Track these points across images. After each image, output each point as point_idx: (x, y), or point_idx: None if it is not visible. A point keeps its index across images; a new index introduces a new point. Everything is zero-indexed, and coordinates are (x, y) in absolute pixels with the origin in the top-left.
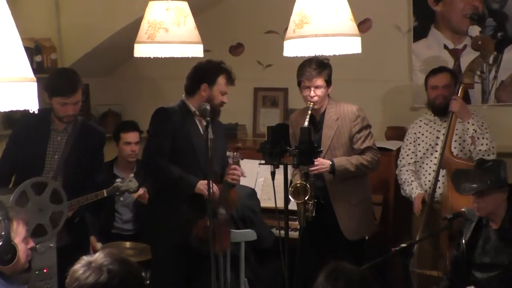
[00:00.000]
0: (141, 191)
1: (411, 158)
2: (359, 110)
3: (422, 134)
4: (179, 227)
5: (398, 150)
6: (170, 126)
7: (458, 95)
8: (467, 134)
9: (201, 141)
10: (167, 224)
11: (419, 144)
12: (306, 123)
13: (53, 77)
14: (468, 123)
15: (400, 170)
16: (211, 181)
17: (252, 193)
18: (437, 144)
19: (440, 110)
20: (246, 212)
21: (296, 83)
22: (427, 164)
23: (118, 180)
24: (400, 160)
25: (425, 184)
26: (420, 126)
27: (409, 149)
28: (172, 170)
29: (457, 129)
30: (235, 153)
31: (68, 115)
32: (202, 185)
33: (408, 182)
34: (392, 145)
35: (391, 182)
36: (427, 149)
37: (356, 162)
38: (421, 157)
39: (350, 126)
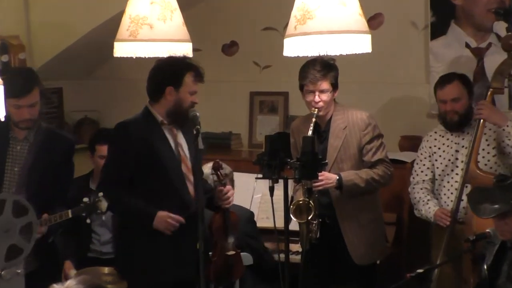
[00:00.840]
0: None
1: (426, 175)
2: (370, 117)
3: (439, 148)
4: (168, 262)
5: (414, 162)
6: (132, 145)
7: (486, 100)
8: (509, 140)
9: (172, 157)
10: (148, 256)
11: (436, 160)
12: (309, 132)
13: (7, 77)
14: (508, 126)
15: (413, 188)
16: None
17: (250, 216)
18: (457, 159)
19: (452, 126)
20: (243, 238)
21: (298, 87)
22: (448, 182)
23: (86, 199)
24: (414, 177)
25: (447, 205)
26: (435, 139)
27: (424, 165)
28: (127, 203)
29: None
30: (219, 173)
31: (24, 120)
32: (161, 221)
33: (423, 201)
34: (407, 156)
35: (406, 199)
36: (446, 165)
37: (366, 177)
38: (439, 175)
39: (360, 136)
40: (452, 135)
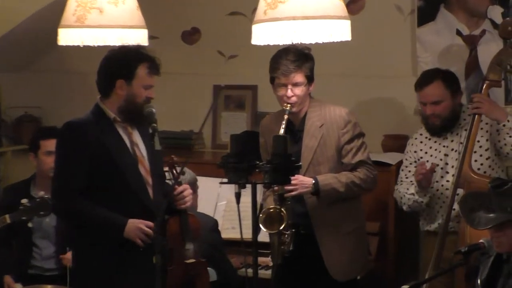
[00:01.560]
0: None
1: (412, 182)
2: (349, 114)
3: (426, 153)
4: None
5: (399, 164)
6: (85, 147)
7: (482, 93)
8: (510, 137)
9: (128, 157)
10: (103, 273)
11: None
12: (281, 131)
13: None
14: (509, 121)
15: (397, 189)
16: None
17: (214, 225)
18: (446, 164)
19: (434, 131)
20: (206, 249)
21: (269, 80)
22: (437, 190)
23: (25, 201)
24: (397, 184)
25: (441, 215)
26: (421, 142)
27: (410, 171)
28: (90, 213)
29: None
30: (175, 170)
31: None
32: (133, 229)
33: (404, 192)
34: (391, 158)
35: (391, 206)
36: (435, 171)
37: (346, 181)
38: None
39: (338, 135)
40: (440, 137)
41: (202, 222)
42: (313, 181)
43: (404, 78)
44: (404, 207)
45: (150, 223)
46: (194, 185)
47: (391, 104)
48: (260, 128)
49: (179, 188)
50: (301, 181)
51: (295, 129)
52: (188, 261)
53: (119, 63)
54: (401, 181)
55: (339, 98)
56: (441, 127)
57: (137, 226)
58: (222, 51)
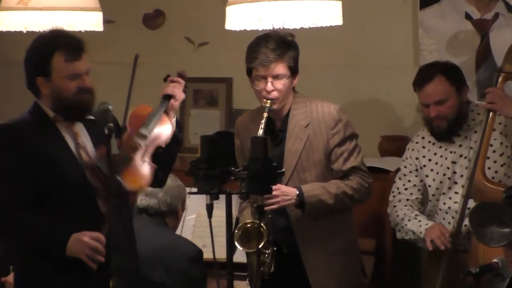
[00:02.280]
0: None
1: (412, 194)
2: (340, 112)
3: (430, 160)
4: None
5: (398, 171)
6: (22, 152)
7: (497, 87)
8: None
9: (72, 162)
10: None
11: (427, 176)
12: (260, 132)
13: None
14: None
15: (394, 207)
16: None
17: (196, 255)
18: (455, 173)
19: (441, 135)
20: (180, 283)
21: (245, 71)
22: (444, 203)
23: None
24: (395, 195)
25: None
26: (424, 147)
27: (409, 181)
28: (28, 228)
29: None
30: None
31: None
32: (77, 244)
33: (409, 217)
34: (389, 163)
35: (388, 219)
36: (441, 182)
37: (335, 191)
38: (433, 195)
39: (327, 136)
40: (445, 142)
41: (181, 250)
42: (297, 192)
43: (405, 69)
44: (398, 235)
45: (98, 235)
46: (182, 202)
47: (389, 99)
48: (236, 128)
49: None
50: (284, 192)
51: (277, 129)
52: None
53: (32, 58)
54: (399, 192)
55: (328, 93)
56: (448, 130)
57: (80, 239)
58: (191, 37)
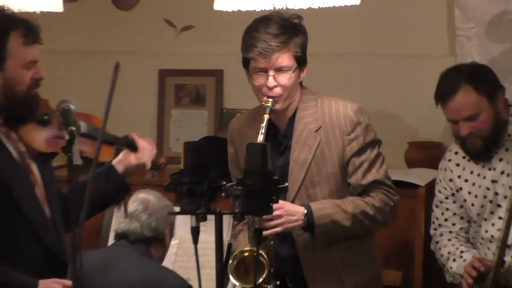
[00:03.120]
0: None
1: (454, 225)
2: (359, 112)
3: (466, 181)
4: None
5: (431, 185)
6: None
7: None
8: None
9: (18, 176)
10: None
11: (465, 201)
12: (259, 137)
13: None
14: None
15: (437, 243)
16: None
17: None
18: (496, 194)
19: (477, 155)
20: None
21: (241, 63)
22: (487, 231)
23: None
24: (435, 228)
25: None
26: (458, 165)
27: (447, 209)
28: None
29: None
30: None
31: None
32: None
33: (454, 255)
34: (420, 176)
35: (418, 247)
36: (481, 206)
37: (353, 210)
38: (474, 222)
39: (343, 143)
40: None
41: (168, 284)
42: (305, 211)
43: (438, 59)
44: (446, 277)
45: (68, 282)
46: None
47: (418, 97)
48: (229, 133)
49: None
50: (288, 211)
51: (280, 134)
52: None
53: None
54: (439, 224)
55: (345, 89)
56: (485, 148)
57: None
58: (172, 20)
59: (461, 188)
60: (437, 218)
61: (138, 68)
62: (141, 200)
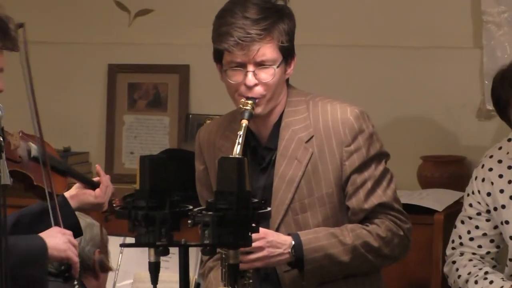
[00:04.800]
0: None
1: (481, 247)
2: (361, 118)
3: (511, 198)
4: None
5: (450, 211)
6: None
7: None
8: None
9: None
10: None
11: (507, 223)
12: (236, 150)
13: None
14: None
15: (454, 263)
16: None
17: None
18: None
19: None
20: None
21: (212, 56)
22: None
23: None
24: (455, 248)
25: None
26: (501, 177)
27: (477, 228)
28: None
29: None
30: None
31: None
32: (59, 239)
33: (476, 275)
34: (437, 199)
35: (434, 283)
36: None
37: (352, 241)
38: None
39: (340, 156)
40: None
41: None
42: (293, 242)
43: (459, 51)
44: None
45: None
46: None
47: (436, 98)
48: (197, 144)
49: None
50: (271, 242)
51: (262, 146)
52: None
53: None
54: (461, 243)
55: (346, 88)
56: None
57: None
58: (124, 3)
59: (504, 206)
60: (460, 237)
61: (82, 63)
62: None
